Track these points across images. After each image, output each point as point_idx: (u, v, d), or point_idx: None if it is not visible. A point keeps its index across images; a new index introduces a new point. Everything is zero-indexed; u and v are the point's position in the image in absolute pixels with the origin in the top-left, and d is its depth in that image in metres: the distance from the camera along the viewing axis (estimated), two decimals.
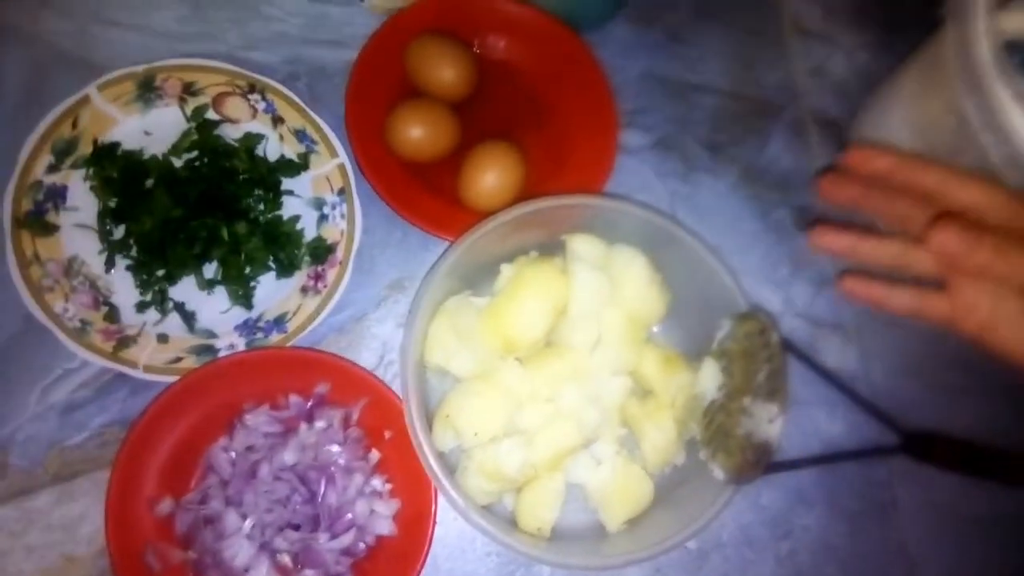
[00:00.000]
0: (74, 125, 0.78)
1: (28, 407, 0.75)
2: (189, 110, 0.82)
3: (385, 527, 0.74)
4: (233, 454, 0.74)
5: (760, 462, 0.70)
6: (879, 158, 0.62)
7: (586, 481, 0.76)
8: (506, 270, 0.76)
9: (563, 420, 0.73)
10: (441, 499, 0.72)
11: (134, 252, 0.78)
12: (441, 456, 0.70)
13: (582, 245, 0.76)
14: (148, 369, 0.74)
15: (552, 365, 0.74)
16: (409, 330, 0.72)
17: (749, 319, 0.73)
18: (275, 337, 0.77)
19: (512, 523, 0.74)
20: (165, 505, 0.72)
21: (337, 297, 0.79)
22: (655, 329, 0.82)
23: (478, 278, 0.78)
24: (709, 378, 0.74)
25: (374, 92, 0.84)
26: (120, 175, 0.78)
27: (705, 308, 0.77)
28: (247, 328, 0.78)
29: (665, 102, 0.94)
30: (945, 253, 0.56)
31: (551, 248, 0.78)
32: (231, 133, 0.83)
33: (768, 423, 0.70)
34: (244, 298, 0.79)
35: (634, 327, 0.76)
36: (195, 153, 0.81)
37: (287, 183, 0.83)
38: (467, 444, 0.72)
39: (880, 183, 0.62)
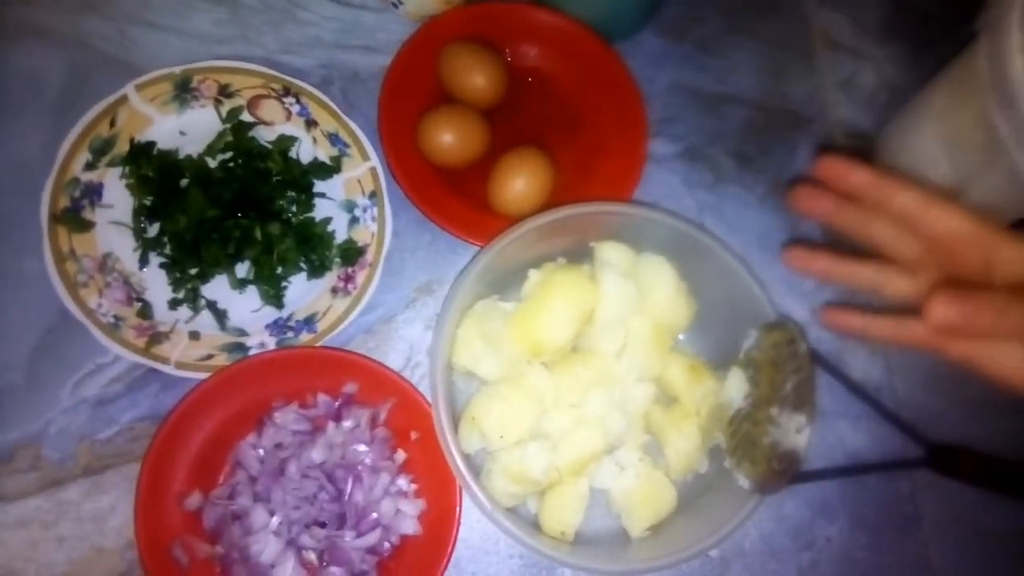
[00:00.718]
0: (112, 124, 0.80)
1: (60, 400, 0.76)
2: (224, 112, 0.83)
3: (410, 527, 0.74)
4: (261, 451, 0.75)
5: (786, 472, 0.70)
6: (853, 173, 0.58)
7: (610, 487, 0.76)
8: (534, 275, 0.77)
9: (588, 425, 0.74)
10: (466, 500, 0.73)
11: (168, 250, 0.79)
12: (466, 458, 0.71)
13: (611, 252, 0.77)
14: (180, 365, 0.76)
15: (578, 371, 0.75)
16: (438, 333, 0.73)
17: (777, 329, 0.73)
18: (305, 337, 0.78)
19: (535, 526, 0.75)
20: (194, 500, 0.73)
21: (366, 299, 0.80)
22: (681, 337, 0.82)
23: (506, 283, 0.79)
24: (735, 387, 0.74)
25: (407, 97, 0.85)
26: (156, 174, 0.79)
27: (732, 317, 0.77)
28: (277, 327, 0.79)
29: (694, 113, 0.95)
30: (947, 327, 0.51)
31: (579, 255, 0.78)
32: (265, 135, 0.84)
33: (795, 433, 0.70)
34: (275, 298, 0.80)
35: (660, 335, 0.76)
36: (229, 154, 0.82)
37: (319, 185, 0.84)
38: (492, 447, 0.73)
39: (854, 200, 0.59)
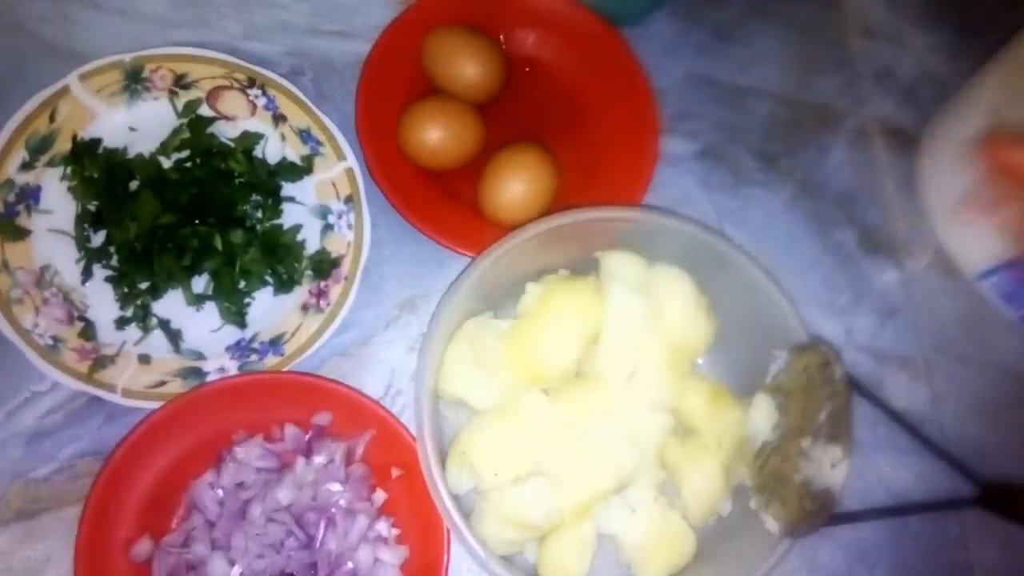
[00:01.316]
0: (51, 119, 0.78)
1: None
2: (180, 105, 0.82)
3: None
4: (220, 491, 0.73)
5: (820, 512, 0.69)
6: None
7: (619, 531, 0.74)
8: (533, 289, 0.75)
9: (594, 461, 0.72)
10: (455, 548, 0.71)
11: (115, 262, 0.77)
12: (455, 499, 0.69)
13: (619, 263, 0.76)
14: (127, 394, 0.74)
15: (583, 398, 0.73)
16: (424, 355, 0.71)
17: (809, 351, 0.72)
18: (271, 360, 0.77)
19: None
20: (142, 547, 0.71)
21: (341, 317, 0.79)
22: (700, 361, 0.81)
23: (501, 298, 0.77)
24: (762, 416, 0.73)
25: (388, 89, 0.84)
26: (101, 175, 0.78)
27: (757, 338, 0.76)
28: (240, 349, 0.78)
29: (712, 107, 0.94)
30: None
31: (584, 267, 0.77)
32: (227, 131, 0.83)
33: (830, 468, 0.69)
34: (237, 316, 0.78)
35: (676, 357, 0.75)
36: (186, 153, 0.81)
37: (288, 188, 0.83)
38: (485, 485, 0.71)
39: None
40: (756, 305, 0.75)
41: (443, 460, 0.71)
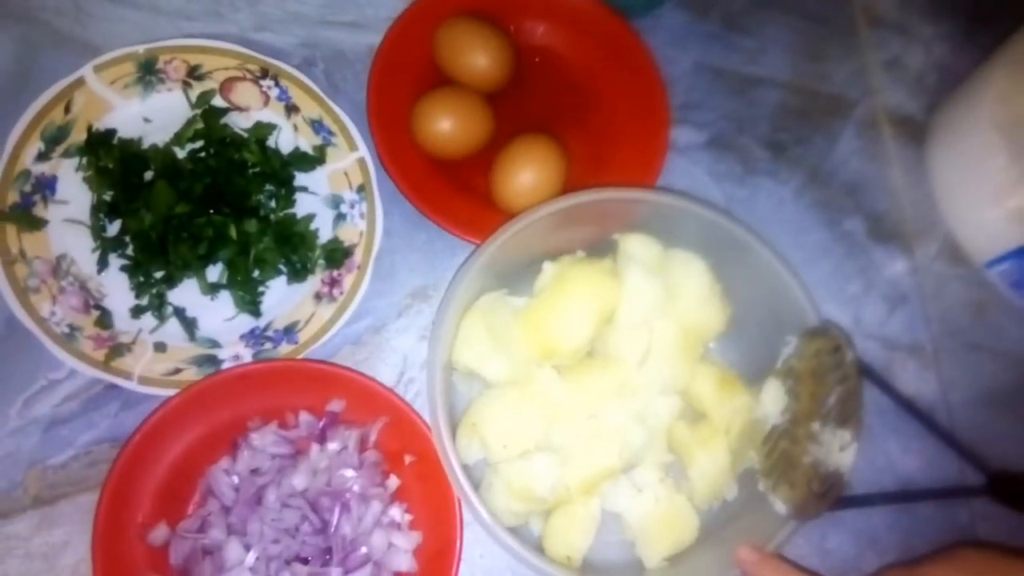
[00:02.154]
0: (67, 110, 0.79)
1: (8, 421, 0.76)
2: (194, 96, 0.83)
3: (404, 562, 0.74)
4: (236, 478, 0.74)
5: (828, 495, 0.70)
6: None
7: (624, 510, 0.76)
8: (549, 268, 0.76)
9: (603, 440, 0.74)
10: (467, 534, 0.73)
11: (130, 251, 0.78)
12: (464, 468, 0.70)
13: (636, 245, 0.77)
14: (143, 381, 0.75)
15: (594, 377, 0.74)
16: (438, 325, 0.72)
17: (820, 335, 0.73)
18: (284, 348, 0.78)
19: (538, 550, 0.73)
20: (159, 533, 0.72)
21: (354, 305, 0.80)
22: (711, 346, 0.82)
23: (517, 277, 0.78)
24: (772, 400, 0.74)
25: (399, 80, 0.85)
26: (116, 165, 0.79)
27: (769, 323, 0.77)
28: (254, 338, 0.79)
29: (721, 97, 0.95)
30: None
31: (599, 250, 0.78)
32: (240, 122, 0.84)
33: (839, 451, 0.70)
34: (251, 304, 0.79)
35: (689, 341, 0.76)
36: (200, 143, 0.82)
37: (301, 179, 0.83)
38: (494, 457, 0.73)
39: None
40: (769, 291, 0.76)
41: (454, 431, 0.72)
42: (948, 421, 0.87)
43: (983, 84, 0.89)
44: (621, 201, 0.76)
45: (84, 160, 0.79)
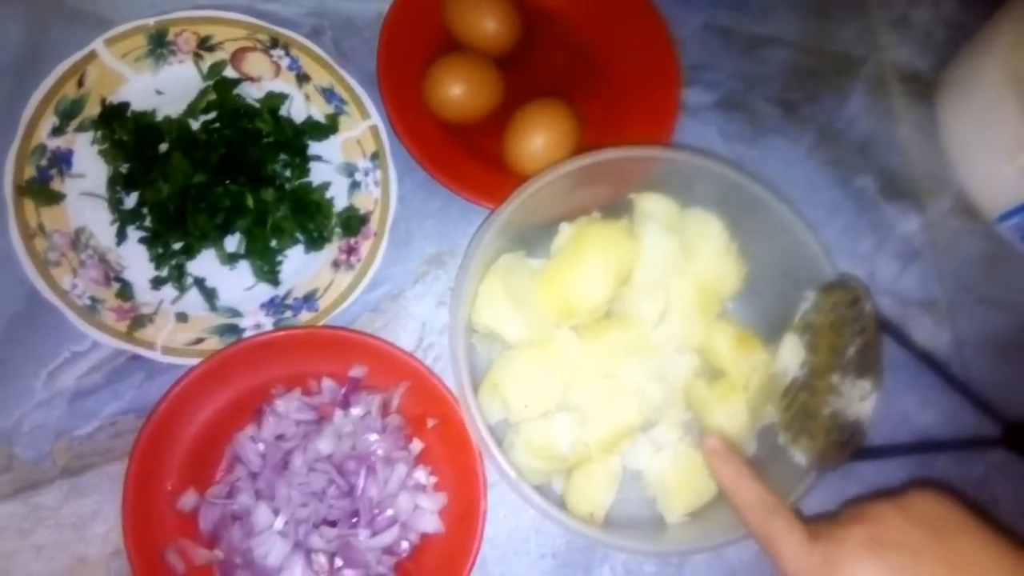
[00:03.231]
0: (80, 84, 0.81)
1: (34, 393, 0.77)
2: (205, 67, 0.85)
3: (431, 523, 0.76)
4: (262, 445, 0.76)
5: (849, 444, 0.72)
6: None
7: (644, 467, 0.78)
8: (566, 229, 0.78)
9: (622, 398, 0.76)
10: (491, 495, 0.75)
11: (148, 223, 0.80)
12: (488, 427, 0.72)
13: (653, 204, 0.78)
14: (167, 351, 0.77)
15: (612, 337, 0.76)
16: (458, 287, 0.74)
17: (838, 288, 0.74)
18: (305, 316, 0.80)
19: (561, 507, 0.75)
20: (188, 499, 0.74)
21: (372, 273, 0.82)
22: (729, 305, 0.83)
23: (533, 240, 0.80)
24: (790, 354, 0.76)
25: (409, 46, 0.87)
26: (131, 138, 0.80)
27: (785, 282, 0.79)
28: (274, 306, 0.81)
29: (730, 57, 0.97)
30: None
31: (615, 211, 0.79)
32: (252, 93, 0.85)
33: (859, 401, 0.72)
34: (270, 273, 0.81)
35: (706, 300, 0.78)
36: (213, 114, 0.83)
37: (315, 147, 0.85)
38: (515, 417, 0.75)
39: None
40: (784, 248, 0.78)
41: (475, 392, 0.74)
42: (963, 375, 0.89)
43: (992, 39, 0.90)
44: (637, 159, 0.77)
45: (99, 133, 0.81)
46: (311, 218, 0.82)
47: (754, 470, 0.65)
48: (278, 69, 0.86)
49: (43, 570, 0.74)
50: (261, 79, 0.86)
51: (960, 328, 0.92)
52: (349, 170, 0.85)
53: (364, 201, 0.84)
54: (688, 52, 0.94)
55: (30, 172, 0.78)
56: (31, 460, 0.76)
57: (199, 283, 0.80)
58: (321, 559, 0.73)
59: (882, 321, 0.76)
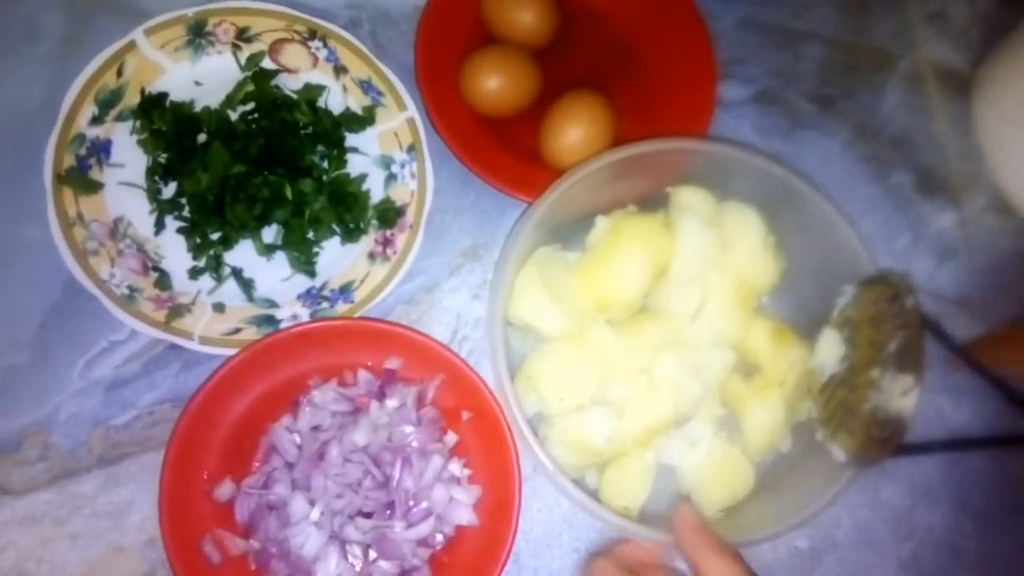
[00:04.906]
0: (119, 74, 0.80)
1: (71, 383, 0.76)
2: (243, 58, 0.84)
3: (465, 516, 0.75)
4: (297, 435, 0.75)
5: (890, 440, 0.70)
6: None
7: (678, 463, 0.76)
8: (602, 222, 0.76)
9: (657, 393, 0.74)
10: (525, 489, 0.73)
11: (186, 212, 0.79)
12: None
13: (690, 197, 0.77)
14: (204, 340, 0.76)
15: (648, 331, 0.75)
16: (497, 278, 0.73)
17: (878, 283, 0.73)
18: (341, 307, 0.79)
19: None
20: (225, 489, 0.73)
21: (407, 265, 0.80)
22: (764, 300, 0.82)
23: (568, 234, 0.79)
24: (829, 349, 0.74)
25: (446, 38, 0.85)
26: (170, 128, 0.79)
27: (823, 276, 0.77)
28: (310, 297, 0.79)
29: (767, 52, 0.95)
30: None
31: (651, 204, 0.78)
32: (290, 84, 0.84)
33: (900, 396, 0.70)
34: (307, 264, 0.80)
35: (743, 294, 0.76)
36: (251, 105, 0.82)
37: (352, 139, 0.84)
38: (550, 410, 0.73)
39: None
40: (822, 242, 0.76)
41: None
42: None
43: None
44: (674, 152, 0.76)
45: (138, 123, 0.80)
46: (348, 210, 0.80)
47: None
48: (316, 61, 0.84)
49: (79, 558, 0.73)
50: (299, 71, 0.84)
51: (995, 326, 0.89)
52: (386, 162, 0.83)
53: (400, 193, 0.82)
54: (724, 47, 0.92)
55: (69, 161, 0.77)
56: (68, 449, 0.75)
57: (236, 273, 0.79)
58: (356, 550, 0.73)
59: (922, 317, 0.74)
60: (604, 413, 0.73)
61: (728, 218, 0.77)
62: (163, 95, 0.81)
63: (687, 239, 0.74)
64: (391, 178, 0.83)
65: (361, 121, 0.83)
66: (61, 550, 0.73)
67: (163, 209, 0.79)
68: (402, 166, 0.83)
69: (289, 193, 0.78)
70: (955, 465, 0.86)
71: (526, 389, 0.73)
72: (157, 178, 0.79)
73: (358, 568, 0.73)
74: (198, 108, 0.81)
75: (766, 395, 0.76)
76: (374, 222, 0.82)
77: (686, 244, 0.74)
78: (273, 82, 0.83)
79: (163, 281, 0.77)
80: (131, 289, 0.76)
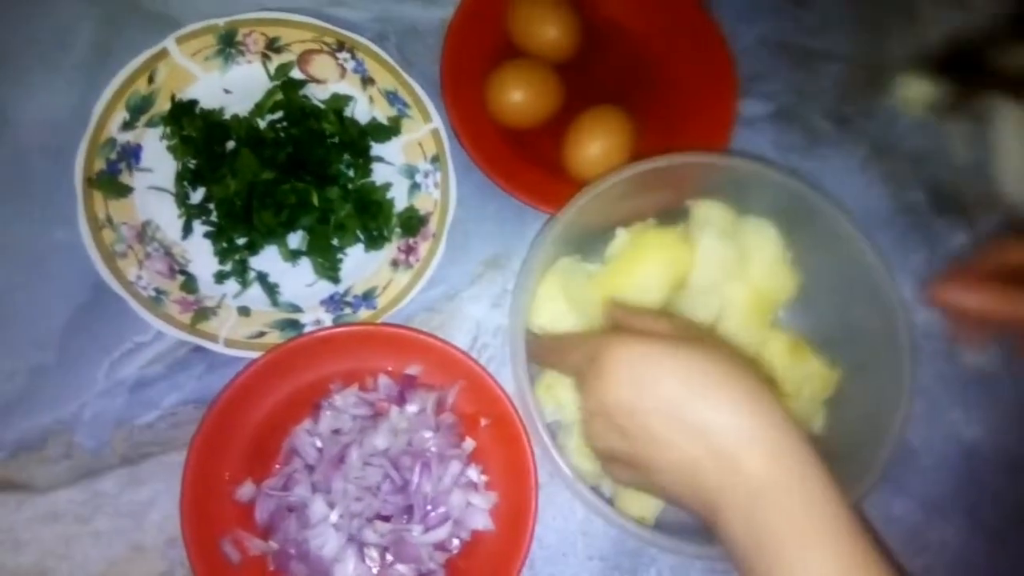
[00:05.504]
0: (151, 80, 0.80)
1: (96, 383, 0.77)
2: (272, 68, 0.84)
3: (482, 521, 0.75)
4: (318, 438, 0.75)
5: None
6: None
7: None
8: (622, 234, 0.77)
9: None
10: (540, 496, 0.73)
11: (214, 218, 0.79)
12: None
13: (710, 210, 0.77)
14: (229, 343, 0.76)
15: None
16: (520, 287, 0.72)
17: None
18: (363, 313, 0.79)
19: None
20: (246, 490, 0.73)
21: (429, 273, 0.81)
22: (780, 314, 0.82)
23: (588, 245, 0.79)
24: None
25: (471, 52, 0.86)
26: (199, 135, 0.80)
27: (839, 290, 0.77)
28: (334, 303, 0.80)
29: (785, 70, 0.95)
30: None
31: (671, 217, 0.78)
32: (317, 94, 0.84)
33: None
34: (331, 270, 0.80)
35: (760, 307, 0.76)
36: (279, 114, 0.82)
37: (377, 149, 0.84)
38: (568, 418, 0.74)
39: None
40: (840, 257, 0.76)
41: None
42: (1013, 390, 0.87)
43: None
44: (695, 166, 0.76)
45: (168, 129, 0.80)
46: (373, 218, 0.81)
47: None
48: (343, 72, 0.85)
49: (100, 556, 0.73)
50: (326, 81, 0.85)
51: (1010, 343, 0.89)
52: (410, 172, 0.84)
53: (424, 203, 0.83)
54: (744, 64, 0.92)
55: (100, 165, 0.77)
56: (91, 448, 0.75)
57: (262, 278, 0.79)
58: (374, 553, 0.73)
59: None
60: None
61: (746, 232, 0.77)
62: (193, 102, 0.81)
63: (706, 252, 0.75)
64: (415, 187, 0.84)
65: (387, 131, 0.84)
66: (83, 547, 0.73)
67: (191, 214, 0.79)
68: (426, 176, 0.83)
69: (316, 200, 0.79)
70: (968, 481, 0.85)
71: (545, 397, 0.73)
72: (186, 183, 0.79)
73: (375, 571, 0.73)
74: (227, 116, 0.82)
75: None
76: (398, 230, 0.82)
77: (705, 257, 0.75)
78: (301, 92, 0.83)
79: (189, 284, 0.78)
80: (158, 291, 0.76)
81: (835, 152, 0.93)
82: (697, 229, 0.76)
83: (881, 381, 0.74)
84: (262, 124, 0.82)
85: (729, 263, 0.75)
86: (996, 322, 0.68)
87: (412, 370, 0.77)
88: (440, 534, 0.73)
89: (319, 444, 0.75)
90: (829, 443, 0.75)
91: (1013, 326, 0.68)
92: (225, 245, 0.79)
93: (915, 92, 0.78)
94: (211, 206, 0.79)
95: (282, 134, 0.81)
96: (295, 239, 0.81)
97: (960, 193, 0.94)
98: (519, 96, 0.83)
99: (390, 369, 0.78)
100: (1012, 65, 0.80)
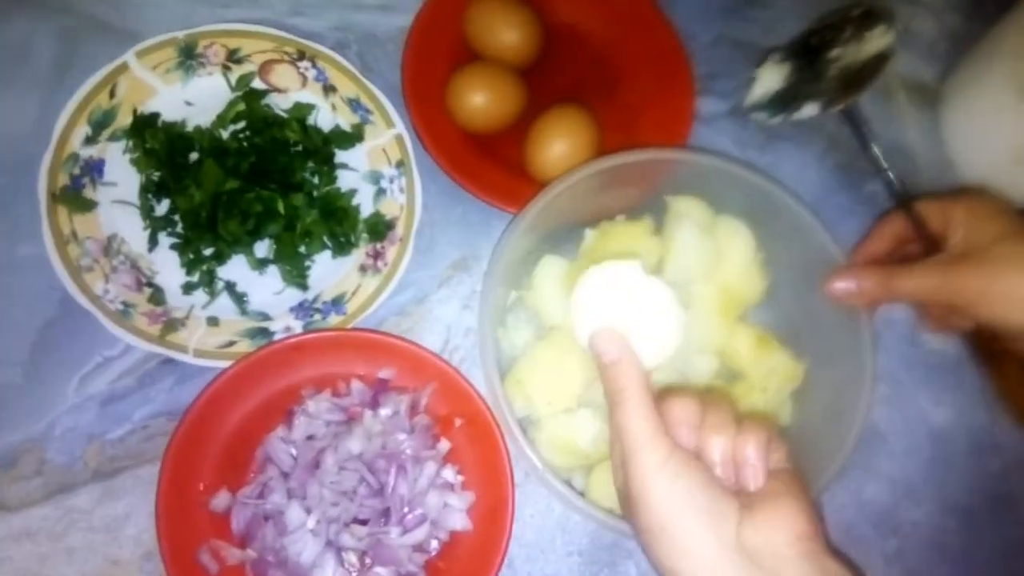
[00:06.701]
0: (112, 95, 0.79)
1: (66, 398, 0.75)
2: (234, 79, 0.83)
3: (459, 521, 0.73)
4: (292, 445, 0.73)
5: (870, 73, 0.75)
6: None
7: None
8: (590, 234, 0.76)
9: None
10: (518, 494, 0.72)
11: (179, 229, 0.78)
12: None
13: (688, 205, 0.77)
14: (199, 354, 0.74)
15: None
16: (488, 283, 0.72)
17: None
18: (333, 319, 0.78)
19: None
20: (221, 500, 0.71)
21: (398, 277, 0.80)
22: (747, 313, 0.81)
23: (562, 243, 0.78)
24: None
25: (432, 57, 0.85)
26: (162, 147, 0.78)
27: (802, 282, 0.77)
28: (303, 310, 0.78)
29: (741, 67, 0.94)
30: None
31: (639, 215, 0.77)
32: (280, 103, 0.83)
33: (874, 40, 0.75)
34: (299, 277, 0.79)
35: (729, 305, 0.76)
36: (242, 124, 0.81)
37: (341, 156, 0.83)
38: (538, 413, 0.72)
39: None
40: (802, 249, 0.76)
41: None
42: (976, 376, 0.87)
43: (996, 45, 0.89)
44: (658, 162, 0.75)
45: (130, 143, 0.79)
46: (339, 223, 0.80)
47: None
48: (305, 80, 0.84)
49: (76, 572, 0.72)
50: (288, 90, 0.84)
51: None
52: (375, 177, 0.83)
53: (390, 207, 0.82)
54: (700, 63, 0.91)
55: (63, 180, 0.76)
56: (63, 464, 0.74)
57: (230, 288, 0.78)
58: (352, 557, 0.72)
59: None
60: (590, 415, 0.72)
61: (721, 231, 0.76)
62: (155, 115, 0.80)
63: (683, 244, 0.74)
64: (380, 193, 0.83)
65: (350, 138, 0.83)
66: (58, 565, 0.71)
67: (156, 226, 0.78)
68: (391, 181, 0.82)
69: (281, 208, 0.77)
70: (937, 463, 0.85)
71: (515, 393, 0.72)
72: (150, 196, 0.78)
73: (355, 575, 0.71)
74: (190, 128, 0.81)
75: (748, 400, 0.75)
76: (364, 236, 0.81)
77: (681, 248, 0.74)
78: (263, 101, 0.82)
79: (157, 296, 0.76)
80: (125, 305, 0.75)
81: (792, 146, 0.93)
82: (674, 222, 0.75)
83: (845, 371, 0.74)
84: (225, 135, 0.81)
85: (704, 257, 0.75)
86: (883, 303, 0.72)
87: (384, 374, 0.76)
88: (418, 536, 0.71)
89: (293, 451, 0.73)
90: (797, 434, 0.74)
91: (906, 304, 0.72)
92: (192, 256, 0.77)
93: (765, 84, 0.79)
94: (176, 218, 0.78)
95: (245, 144, 0.80)
96: (262, 247, 0.79)
97: (917, 184, 0.93)
98: (480, 99, 0.82)
99: (362, 374, 0.76)
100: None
